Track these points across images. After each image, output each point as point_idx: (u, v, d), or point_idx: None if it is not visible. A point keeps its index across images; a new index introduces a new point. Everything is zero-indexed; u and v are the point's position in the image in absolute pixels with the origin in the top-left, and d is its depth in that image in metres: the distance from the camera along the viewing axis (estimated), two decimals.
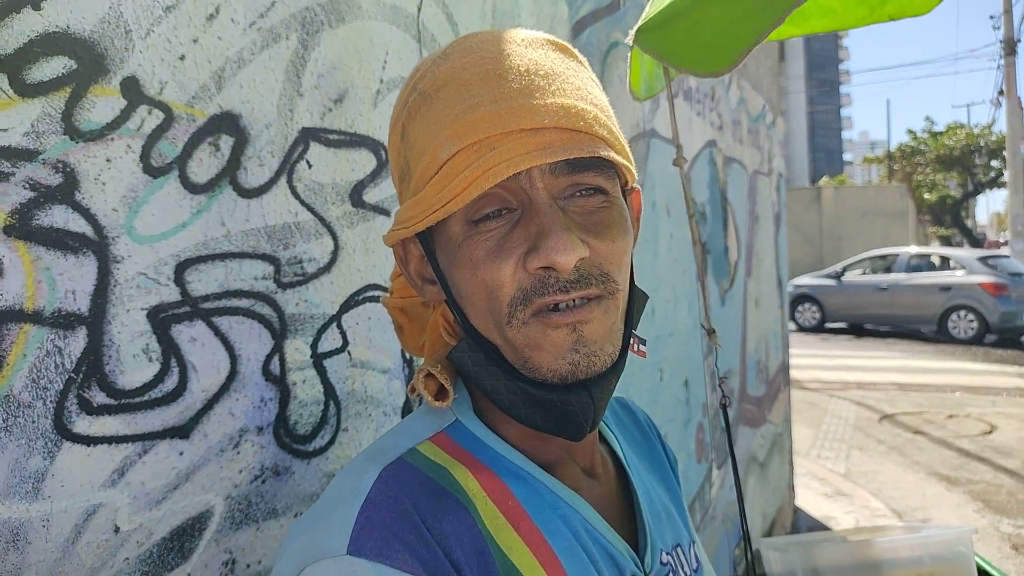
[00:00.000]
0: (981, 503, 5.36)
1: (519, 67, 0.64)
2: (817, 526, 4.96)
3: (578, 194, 0.65)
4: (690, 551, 0.83)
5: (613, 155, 0.65)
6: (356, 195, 1.16)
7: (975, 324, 12.39)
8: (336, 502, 0.63)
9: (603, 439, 0.83)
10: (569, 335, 0.63)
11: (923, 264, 13.62)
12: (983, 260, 12.95)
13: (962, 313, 12.52)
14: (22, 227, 0.74)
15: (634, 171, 0.70)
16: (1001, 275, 12.47)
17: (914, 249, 14.20)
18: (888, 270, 13.68)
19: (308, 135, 1.07)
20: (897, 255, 13.84)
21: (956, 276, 12.80)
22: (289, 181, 1.04)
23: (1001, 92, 22.08)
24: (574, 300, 0.63)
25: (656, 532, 0.77)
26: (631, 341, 0.72)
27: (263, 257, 1.00)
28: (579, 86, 0.66)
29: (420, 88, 0.67)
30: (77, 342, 0.79)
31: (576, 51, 0.71)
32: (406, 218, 0.68)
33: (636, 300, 0.73)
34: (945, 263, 13.43)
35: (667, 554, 0.78)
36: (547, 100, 0.63)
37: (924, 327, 13.19)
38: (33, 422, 0.75)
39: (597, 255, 0.64)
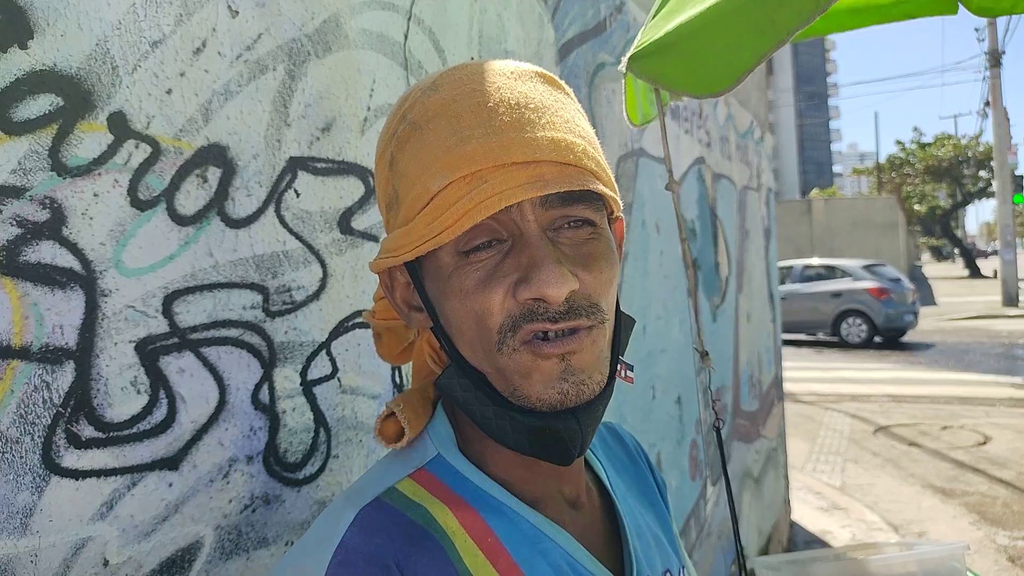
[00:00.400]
0: (977, 515, 5.36)
1: (509, 100, 0.65)
2: (814, 540, 4.96)
3: (567, 226, 0.66)
4: None
5: (601, 187, 0.66)
6: (344, 222, 1.17)
7: (864, 327, 13.79)
8: (313, 546, 0.63)
9: (589, 467, 0.83)
10: (558, 364, 0.64)
11: (814, 274, 14.78)
12: (867, 268, 14.34)
13: (852, 318, 13.89)
14: (9, 263, 0.74)
15: (619, 201, 0.71)
16: (883, 280, 13.88)
17: (806, 261, 15.46)
18: (783, 281, 14.65)
19: (296, 164, 1.08)
20: (791, 267, 14.98)
21: (845, 283, 14.10)
22: (277, 210, 1.05)
23: (987, 103, 22.32)
24: (563, 330, 0.64)
25: (644, 559, 0.77)
26: (619, 367, 0.73)
27: (251, 286, 1.00)
28: (567, 119, 0.67)
29: (410, 118, 0.68)
30: (65, 376, 0.79)
31: (563, 83, 0.72)
32: (394, 247, 0.68)
33: (623, 326, 0.74)
34: (833, 272, 14.59)
35: None
36: (538, 133, 0.64)
37: (821, 331, 14.33)
38: (21, 457, 0.75)
39: (586, 287, 0.65)
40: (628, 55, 1.26)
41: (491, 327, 0.64)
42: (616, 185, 0.71)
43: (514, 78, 0.67)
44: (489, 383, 0.67)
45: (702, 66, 1.20)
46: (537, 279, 0.61)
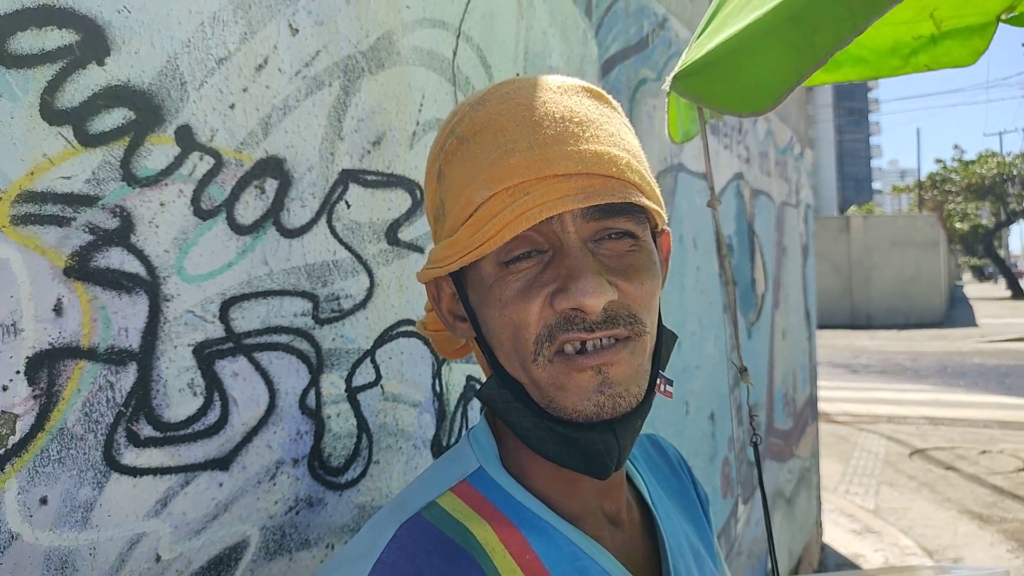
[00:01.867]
0: (1015, 542, 5.23)
1: (554, 113, 0.66)
2: (845, 563, 4.88)
3: (608, 237, 0.67)
4: None
5: (644, 200, 0.67)
6: (392, 233, 1.20)
7: None
8: (354, 558, 0.65)
9: (630, 481, 0.83)
10: (594, 377, 0.64)
11: None
12: None
13: None
14: (81, 268, 0.78)
15: (664, 214, 0.72)
16: None
17: None
18: None
19: (347, 176, 1.11)
20: None
21: None
22: (328, 221, 1.08)
23: None
24: (600, 340, 0.64)
25: (684, 574, 0.78)
26: (658, 381, 0.73)
27: (303, 294, 1.04)
28: (612, 132, 0.68)
29: (458, 132, 0.69)
30: (127, 377, 0.82)
31: (610, 97, 0.73)
32: (440, 257, 0.70)
33: (664, 341, 0.74)
34: None
35: None
36: (581, 147, 0.65)
37: None
38: (84, 454, 0.78)
39: (626, 297, 0.66)
40: (672, 74, 1.27)
41: (527, 338, 0.65)
42: (662, 199, 0.72)
43: (560, 92, 0.69)
44: (527, 394, 0.68)
45: (743, 85, 1.21)
46: (575, 288, 0.62)
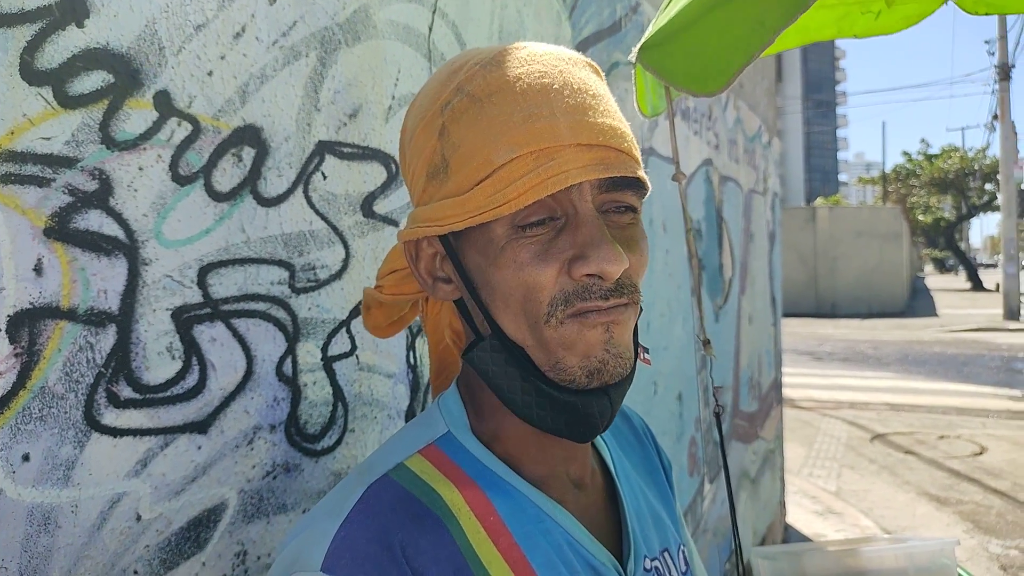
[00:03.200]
0: (971, 523, 5.40)
1: (572, 84, 0.68)
2: (808, 542, 4.99)
3: (612, 210, 0.69)
4: (678, 554, 0.86)
5: (644, 176, 0.70)
6: (367, 206, 1.21)
7: None
8: (322, 518, 0.67)
9: (594, 448, 0.85)
10: (603, 334, 0.67)
11: None
12: None
13: None
14: (60, 229, 0.79)
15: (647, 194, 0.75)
16: None
17: None
18: None
19: (324, 148, 1.12)
20: None
21: None
22: (305, 191, 1.09)
23: (995, 116, 22.33)
24: (610, 308, 0.67)
25: (641, 538, 0.80)
26: (639, 350, 0.76)
27: (279, 263, 1.05)
28: (615, 109, 0.71)
29: (468, 90, 0.68)
30: (107, 339, 0.83)
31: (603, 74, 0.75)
32: (439, 216, 0.68)
33: None
34: None
35: (652, 560, 0.80)
36: (598, 119, 0.67)
37: None
38: (65, 413, 0.79)
39: (631, 268, 0.68)
40: (638, 46, 1.30)
41: (542, 300, 0.66)
42: None
43: (572, 64, 0.71)
44: (527, 356, 0.69)
45: (699, 63, 1.23)
46: (597, 256, 0.64)
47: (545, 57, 0.70)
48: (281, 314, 1.06)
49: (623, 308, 0.68)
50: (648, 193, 0.72)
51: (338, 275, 1.16)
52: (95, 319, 0.82)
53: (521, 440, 0.74)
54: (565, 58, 0.71)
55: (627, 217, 0.70)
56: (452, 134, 0.69)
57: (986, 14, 1.40)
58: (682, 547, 0.88)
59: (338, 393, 1.16)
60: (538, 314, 0.67)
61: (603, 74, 0.75)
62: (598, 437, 0.86)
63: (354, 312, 1.19)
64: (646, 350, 0.80)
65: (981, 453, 7.14)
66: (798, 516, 5.53)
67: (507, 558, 0.67)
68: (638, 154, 0.70)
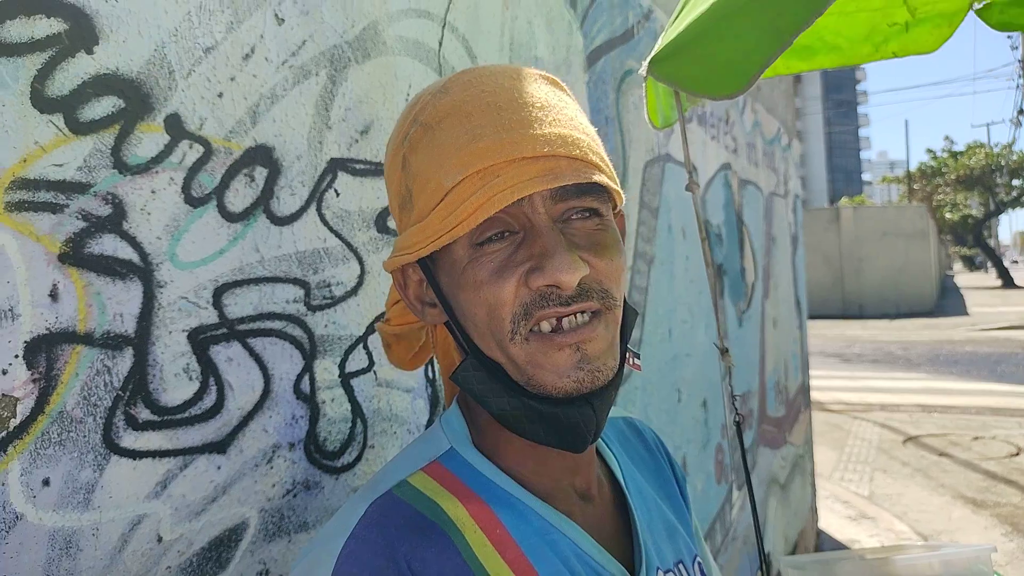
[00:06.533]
0: (1009, 526, 5.28)
1: (517, 99, 0.68)
2: (840, 549, 4.91)
3: (575, 216, 0.69)
4: (694, 566, 0.84)
5: (606, 180, 0.69)
6: (380, 221, 1.21)
7: None
8: (328, 537, 0.67)
9: (602, 459, 0.85)
10: (573, 355, 0.66)
11: None
12: None
13: None
14: (75, 255, 0.79)
15: (623, 195, 0.74)
16: None
17: None
18: None
19: (336, 165, 1.12)
20: None
21: None
22: (318, 209, 1.09)
23: (1020, 111, 21.99)
24: (576, 316, 0.67)
25: (654, 550, 0.79)
26: (627, 355, 0.76)
27: (294, 281, 1.05)
28: (571, 116, 0.71)
29: (421, 120, 0.70)
30: (124, 362, 0.84)
31: (564, 84, 0.75)
32: (409, 244, 0.70)
33: (628, 316, 0.77)
34: None
35: (666, 572, 0.79)
36: (545, 130, 0.67)
37: None
38: (84, 437, 0.80)
39: (597, 272, 0.68)
40: (648, 59, 1.29)
41: (504, 317, 0.67)
42: (619, 182, 0.74)
43: (519, 79, 0.71)
44: (505, 372, 0.70)
45: (715, 67, 1.23)
46: (550, 266, 0.64)
47: (493, 77, 0.71)
48: (297, 332, 1.06)
49: (595, 320, 0.67)
50: (624, 200, 0.72)
51: (354, 291, 1.16)
52: (112, 342, 0.83)
53: (520, 454, 0.74)
54: (512, 74, 0.72)
55: (592, 223, 0.70)
56: (411, 164, 0.70)
57: (1013, 30, 1.38)
58: (697, 559, 0.87)
59: (357, 409, 1.16)
60: (503, 332, 0.67)
61: (561, 84, 0.75)
62: (606, 448, 0.86)
63: (371, 328, 1.19)
64: (636, 355, 0.79)
65: (1018, 454, 6.99)
66: (831, 521, 5.44)
67: (515, 569, 0.67)
68: (597, 158, 0.69)
